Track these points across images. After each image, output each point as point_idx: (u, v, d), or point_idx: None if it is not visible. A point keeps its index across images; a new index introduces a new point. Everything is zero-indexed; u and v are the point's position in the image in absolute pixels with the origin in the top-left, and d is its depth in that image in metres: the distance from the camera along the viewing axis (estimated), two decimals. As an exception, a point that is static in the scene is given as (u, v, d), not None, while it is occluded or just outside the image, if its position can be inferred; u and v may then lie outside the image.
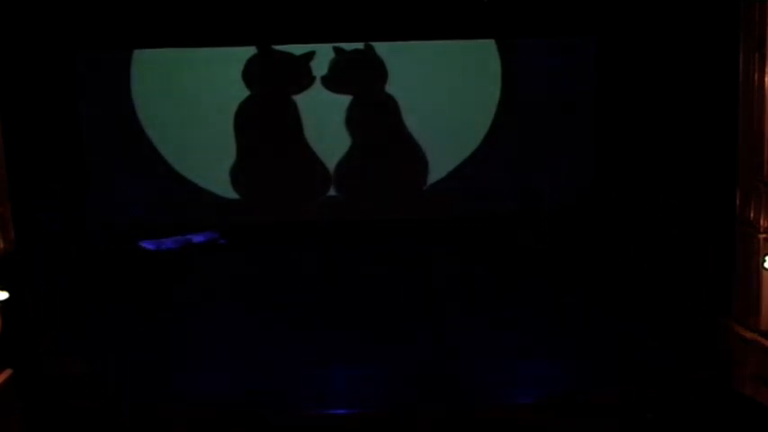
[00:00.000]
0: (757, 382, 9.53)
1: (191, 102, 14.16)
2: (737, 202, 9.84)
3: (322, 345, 10.42)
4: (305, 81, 14.32)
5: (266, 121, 14.51)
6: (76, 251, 12.42)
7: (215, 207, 14.49)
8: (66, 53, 13.00)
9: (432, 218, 14.46)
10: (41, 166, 11.53)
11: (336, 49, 14.24)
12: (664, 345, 10.25)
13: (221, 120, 14.31)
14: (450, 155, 14.58)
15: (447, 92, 14.40)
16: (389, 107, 14.49)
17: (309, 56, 14.23)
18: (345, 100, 14.48)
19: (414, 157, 14.59)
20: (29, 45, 11.60)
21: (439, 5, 13.11)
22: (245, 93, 14.33)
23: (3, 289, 8.89)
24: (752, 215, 9.67)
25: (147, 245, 13.72)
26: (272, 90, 14.41)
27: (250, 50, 14.17)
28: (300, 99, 14.39)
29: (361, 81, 14.46)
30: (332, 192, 14.66)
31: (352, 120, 14.50)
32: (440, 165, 14.63)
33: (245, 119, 14.40)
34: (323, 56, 14.26)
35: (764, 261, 9.50)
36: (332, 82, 14.34)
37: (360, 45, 14.25)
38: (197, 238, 14.08)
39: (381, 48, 14.27)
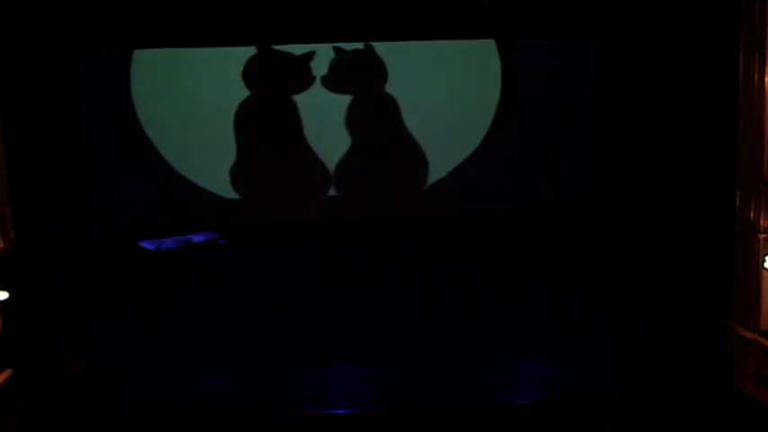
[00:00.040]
0: (757, 382, 9.53)
1: (191, 102, 14.16)
2: (737, 202, 9.84)
3: (322, 345, 10.42)
4: (305, 81, 14.32)
5: (266, 121, 14.51)
6: (76, 251, 12.42)
7: (215, 207, 14.49)
8: (67, 53, 13.00)
9: (432, 218, 14.46)
10: (41, 166, 11.53)
11: (336, 49, 14.24)
12: (664, 345, 10.25)
13: (221, 120, 14.31)
14: (450, 155, 14.58)
15: (447, 92, 14.40)
16: (389, 107, 14.49)
17: (309, 56, 14.23)
18: (345, 100, 14.48)
19: (414, 157, 14.59)
20: (29, 45, 11.60)
21: (439, 5, 13.11)
22: (245, 93, 14.33)
23: (3, 289, 8.89)
24: (752, 215, 9.67)
25: (147, 245, 13.72)
26: (272, 90, 14.41)
27: (250, 50, 14.17)
28: (300, 99, 14.39)
29: (361, 81, 14.46)
30: (332, 192, 14.66)
31: (352, 120, 14.50)
32: (440, 165, 14.63)
33: (245, 119, 14.40)
34: (323, 56, 14.26)
35: (764, 261, 9.50)
36: (332, 82, 14.34)
37: (360, 45, 14.25)
38: (197, 238, 14.08)
39: (381, 48, 14.27)
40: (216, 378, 9.64)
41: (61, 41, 12.57)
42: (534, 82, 14.35)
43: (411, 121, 14.52)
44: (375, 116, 14.58)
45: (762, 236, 9.60)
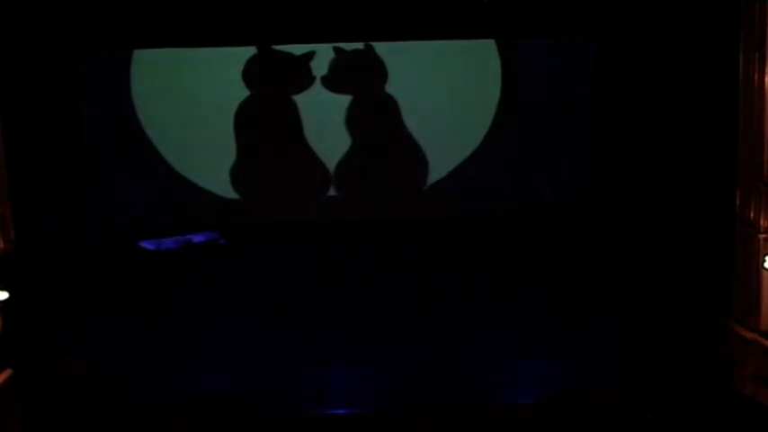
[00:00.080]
0: (757, 382, 9.53)
1: (191, 102, 14.16)
2: (737, 202, 9.83)
3: (322, 345, 10.42)
4: (305, 81, 14.32)
5: (266, 121, 14.51)
6: (76, 251, 12.42)
7: (215, 207, 14.49)
8: (67, 53, 13.00)
9: (432, 218, 14.46)
10: (41, 166, 11.53)
11: (336, 49, 14.24)
12: (664, 345, 10.25)
13: (221, 120, 14.31)
14: (451, 155, 14.58)
15: (447, 92, 14.40)
16: (389, 107, 14.49)
17: (309, 56, 14.23)
18: (345, 100, 14.48)
19: (414, 157, 14.59)
20: (29, 45, 11.60)
21: (439, 5, 13.11)
22: (245, 93, 14.33)
23: (3, 289, 8.88)
24: (752, 215, 9.67)
25: (147, 245, 13.72)
26: (272, 90, 14.41)
27: (250, 50, 14.17)
28: (300, 99, 14.39)
29: (361, 81, 14.46)
30: (332, 192, 14.66)
31: (352, 120, 14.50)
32: (440, 165, 14.63)
33: (245, 119, 14.40)
34: (323, 56, 14.26)
35: (764, 261, 9.50)
36: (332, 82, 14.34)
37: (360, 45, 14.25)
38: (197, 238, 14.08)
39: (381, 48, 14.27)
40: (216, 378, 9.64)
41: (61, 41, 12.57)
42: (534, 82, 14.35)
43: (411, 121, 14.52)
44: (375, 116, 14.58)
45: (762, 236, 9.60)
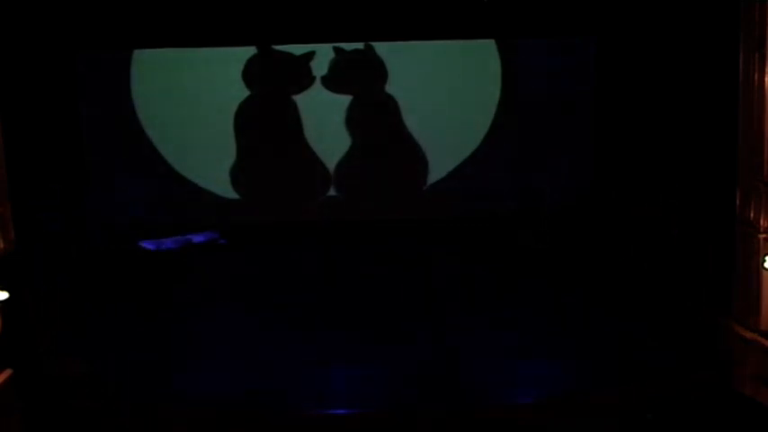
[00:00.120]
0: (757, 382, 9.53)
1: (191, 102, 14.16)
2: (737, 202, 9.83)
3: (322, 345, 10.42)
4: (305, 81, 14.32)
5: (266, 121, 14.51)
6: (76, 251, 12.42)
7: (215, 207, 14.49)
8: (67, 53, 13.00)
9: (432, 218, 14.46)
10: (41, 166, 11.53)
11: (336, 49, 14.24)
12: (664, 345, 10.25)
13: (221, 120, 14.31)
14: (451, 155, 14.58)
15: (447, 92, 14.40)
16: (389, 107, 14.49)
17: (309, 56, 14.23)
18: (345, 100, 14.48)
19: (414, 157, 14.59)
20: (29, 45, 11.60)
21: (439, 5, 13.11)
22: (245, 93, 14.33)
23: (3, 289, 8.88)
24: (752, 215, 9.67)
25: (147, 245, 13.72)
26: (272, 90, 14.41)
27: (250, 50, 14.17)
28: (300, 99, 14.39)
29: (361, 81, 14.46)
30: (332, 192, 14.66)
31: (352, 120, 14.50)
32: (440, 165, 14.63)
33: (245, 119, 14.40)
34: (323, 56, 14.26)
35: (764, 261, 9.50)
36: (332, 82, 14.34)
37: (360, 45, 14.25)
38: (197, 238, 14.07)
39: (381, 48, 14.27)
40: (216, 378, 9.64)
41: (61, 41, 12.57)
42: (534, 82, 14.35)
43: (411, 121, 14.51)
44: (375, 116, 14.58)
45: (762, 236, 9.59)
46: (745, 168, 9.71)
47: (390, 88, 14.44)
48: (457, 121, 14.46)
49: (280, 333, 10.79)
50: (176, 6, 12.69)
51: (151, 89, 14.11)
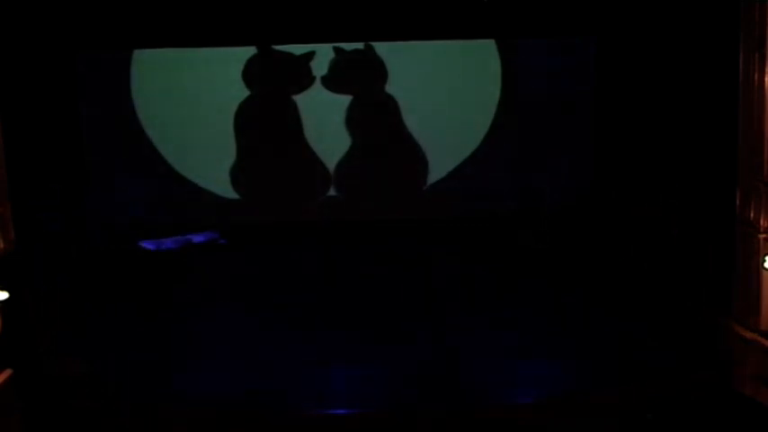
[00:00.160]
0: (757, 382, 9.53)
1: (191, 102, 14.16)
2: (737, 202, 9.83)
3: (322, 345, 10.42)
4: (305, 81, 14.32)
5: (266, 121, 14.51)
6: (76, 251, 12.42)
7: (215, 207, 14.49)
8: (67, 53, 13.00)
9: (432, 218, 14.46)
10: (41, 166, 11.53)
11: (336, 49, 14.24)
12: (664, 345, 10.25)
13: (221, 120, 14.31)
14: (451, 155, 14.58)
15: (447, 92, 14.40)
16: (389, 107, 14.49)
17: (309, 56, 14.23)
18: (345, 100, 14.48)
19: (414, 157, 14.60)
20: (29, 45, 11.60)
21: (439, 5, 13.11)
22: (245, 93, 14.33)
23: (3, 289, 8.88)
24: (752, 215, 9.67)
25: (147, 245, 13.72)
26: (272, 90, 14.41)
27: (250, 50, 14.17)
28: (300, 99, 14.39)
29: (361, 81, 14.46)
30: (332, 192, 14.66)
31: (352, 120, 14.50)
32: (440, 165, 14.63)
33: (245, 119, 14.40)
34: (323, 56, 14.26)
35: (764, 261, 9.50)
36: (332, 82, 14.34)
37: (360, 45, 14.25)
38: (197, 238, 14.08)
39: (381, 48, 14.27)
40: (216, 378, 9.64)
41: (61, 41, 12.57)
42: (534, 82, 14.35)
43: (411, 121, 14.51)
44: (375, 116, 14.58)
45: (762, 236, 9.59)
46: (745, 168, 9.71)
47: (390, 88, 14.44)
48: (457, 121, 14.46)
49: (280, 333, 10.79)
50: (176, 6, 12.69)
51: (151, 89, 14.12)
